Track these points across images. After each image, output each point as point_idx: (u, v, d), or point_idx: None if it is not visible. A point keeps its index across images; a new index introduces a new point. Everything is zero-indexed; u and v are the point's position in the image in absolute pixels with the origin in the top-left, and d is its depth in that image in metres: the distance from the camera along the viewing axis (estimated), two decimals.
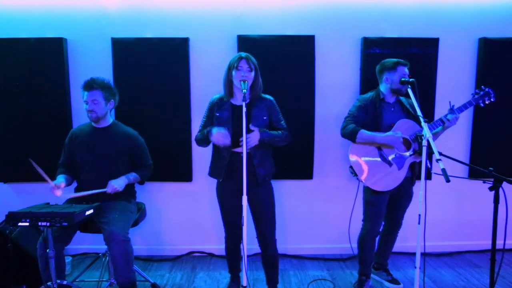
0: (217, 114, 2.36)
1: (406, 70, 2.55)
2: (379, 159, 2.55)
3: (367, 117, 2.58)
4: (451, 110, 2.47)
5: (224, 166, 2.33)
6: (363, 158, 2.56)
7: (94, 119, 2.48)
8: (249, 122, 2.28)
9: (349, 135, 2.54)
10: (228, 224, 2.48)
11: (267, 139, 2.28)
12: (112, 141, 2.51)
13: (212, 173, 2.44)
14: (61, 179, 2.41)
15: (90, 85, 2.43)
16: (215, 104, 2.39)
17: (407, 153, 2.54)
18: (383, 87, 2.63)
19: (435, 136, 2.59)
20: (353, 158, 2.57)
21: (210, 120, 2.40)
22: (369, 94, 2.66)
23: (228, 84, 2.34)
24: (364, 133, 2.50)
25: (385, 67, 2.58)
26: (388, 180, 2.52)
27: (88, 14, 3.14)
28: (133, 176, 2.51)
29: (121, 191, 2.41)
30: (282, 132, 2.38)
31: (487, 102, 2.52)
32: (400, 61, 2.55)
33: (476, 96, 2.52)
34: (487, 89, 2.51)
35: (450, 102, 2.48)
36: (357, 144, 2.56)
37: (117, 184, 2.39)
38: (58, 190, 2.32)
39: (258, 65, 2.33)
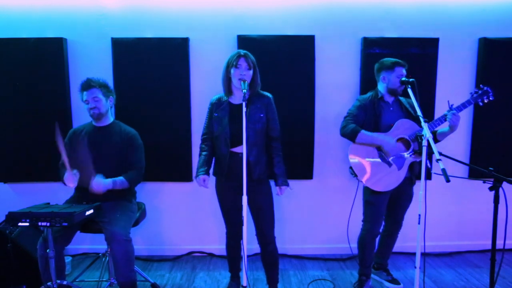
0: (216, 115, 2.39)
1: (404, 71, 2.56)
2: (378, 159, 2.55)
3: (366, 117, 2.58)
4: (450, 110, 2.47)
5: (225, 165, 2.35)
6: (362, 159, 2.56)
7: (97, 116, 2.49)
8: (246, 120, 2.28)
9: (350, 135, 2.55)
10: (229, 220, 2.50)
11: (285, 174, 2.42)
12: (113, 140, 2.51)
13: (215, 172, 2.47)
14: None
15: (88, 84, 2.46)
16: (214, 104, 2.42)
17: (407, 153, 2.54)
18: (380, 86, 2.64)
19: (441, 136, 2.58)
20: (353, 158, 2.57)
21: (211, 121, 2.42)
22: (368, 94, 2.67)
23: (227, 81, 2.35)
24: (364, 134, 2.51)
25: (383, 66, 2.60)
26: (388, 180, 2.52)
27: (88, 14, 3.14)
28: (120, 180, 2.43)
29: (100, 193, 2.33)
30: (278, 154, 2.41)
31: (486, 101, 2.51)
32: (399, 61, 2.56)
33: (475, 95, 2.51)
34: (485, 88, 2.50)
35: (448, 101, 2.48)
36: (356, 145, 2.57)
37: (100, 186, 2.31)
38: (72, 181, 2.30)
39: (256, 62, 2.34)
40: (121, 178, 2.45)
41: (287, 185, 2.40)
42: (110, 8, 3.15)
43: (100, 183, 2.33)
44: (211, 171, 2.48)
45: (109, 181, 2.38)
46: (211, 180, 2.45)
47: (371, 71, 2.76)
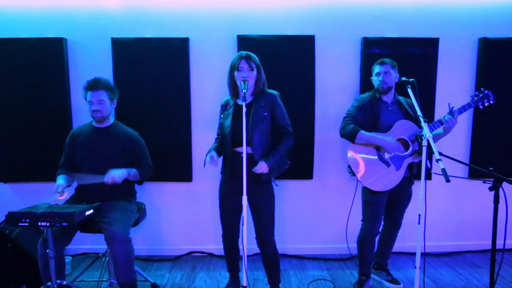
0: (222, 116, 2.43)
1: (378, 68, 2.59)
2: (377, 158, 2.55)
3: (365, 117, 2.59)
4: (450, 112, 2.47)
5: (227, 164, 2.38)
6: (361, 158, 2.56)
7: (100, 119, 2.49)
8: (249, 118, 2.28)
9: (349, 135, 2.55)
10: (225, 221, 2.50)
11: (275, 164, 2.31)
12: (113, 141, 2.52)
13: (221, 171, 2.49)
14: (60, 181, 2.41)
15: (95, 85, 2.44)
16: (222, 106, 2.48)
17: (406, 153, 2.54)
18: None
19: (436, 138, 2.59)
20: (351, 158, 2.57)
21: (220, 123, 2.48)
22: (367, 94, 2.68)
23: (232, 84, 2.37)
24: (363, 134, 2.51)
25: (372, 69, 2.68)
26: (386, 180, 2.52)
27: (88, 14, 3.14)
28: (133, 172, 2.49)
29: (119, 183, 2.37)
30: (283, 143, 2.37)
31: (486, 105, 2.51)
32: (378, 60, 2.61)
33: (475, 98, 2.51)
34: (486, 91, 2.50)
35: (449, 104, 2.49)
36: (356, 144, 2.57)
37: (117, 175, 2.36)
38: (61, 195, 2.33)
39: (259, 62, 2.34)
40: (134, 170, 2.51)
41: (267, 164, 2.24)
42: (110, 8, 3.15)
43: (117, 173, 2.37)
44: (206, 171, 2.49)
45: (124, 170, 2.43)
46: (212, 182, 2.44)
47: (371, 71, 2.76)
